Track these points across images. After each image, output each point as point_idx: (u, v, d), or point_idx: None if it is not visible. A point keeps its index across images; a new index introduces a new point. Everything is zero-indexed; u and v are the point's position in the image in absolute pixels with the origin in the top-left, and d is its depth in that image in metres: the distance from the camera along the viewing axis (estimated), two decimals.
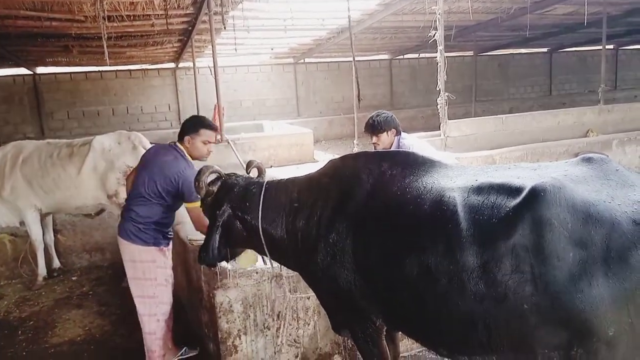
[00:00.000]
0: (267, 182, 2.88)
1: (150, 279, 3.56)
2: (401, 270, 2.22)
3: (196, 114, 12.70)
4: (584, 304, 1.76)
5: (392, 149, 4.08)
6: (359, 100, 8.25)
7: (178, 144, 3.57)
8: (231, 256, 2.99)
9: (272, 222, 2.74)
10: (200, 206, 3.02)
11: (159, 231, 3.58)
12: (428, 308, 2.20)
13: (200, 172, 2.89)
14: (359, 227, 2.41)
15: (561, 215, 1.83)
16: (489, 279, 1.95)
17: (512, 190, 1.99)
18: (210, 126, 3.55)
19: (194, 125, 3.55)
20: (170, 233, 3.72)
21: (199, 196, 2.95)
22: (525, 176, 2.05)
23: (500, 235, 1.93)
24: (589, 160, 2.07)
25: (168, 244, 3.69)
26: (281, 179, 2.93)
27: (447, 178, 2.30)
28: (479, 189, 2.09)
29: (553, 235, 1.82)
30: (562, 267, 1.80)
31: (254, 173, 3.10)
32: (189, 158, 3.55)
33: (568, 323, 1.81)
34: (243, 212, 2.77)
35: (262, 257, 3.12)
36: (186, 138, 3.51)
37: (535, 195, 1.89)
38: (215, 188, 2.88)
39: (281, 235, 2.74)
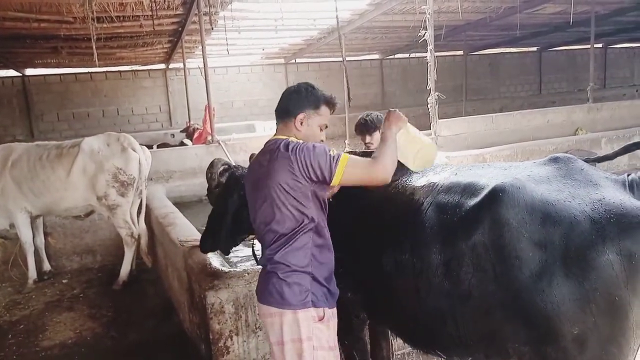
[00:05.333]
0: None
1: None
2: (375, 266, 2.31)
3: (187, 114, 12.69)
4: (545, 303, 1.77)
5: None
6: (349, 99, 8.31)
7: (280, 135, 2.40)
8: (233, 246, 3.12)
9: None
10: (207, 196, 3.06)
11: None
12: (401, 305, 2.26)
13: (213, 165, 2.97)
14: (338, 223, 2.46)
15: (519, 215, 1.84)
16: (453, 276, 2.00)
17: (475, 191, 2.03)
18: (333, 103, 2.48)
19: (314, 98, 2.42)
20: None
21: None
22: (492, 176, 2.08)
23: (462, 234, 1.97)
24: (555, 160, 2.08)
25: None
26: None
27: (422, 177, 2.39)
28: (448, 189, 2.15)
29: (511, 235, 1.83)
30: (521, 267, 1.81)
31: None
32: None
33: (532, 321, 1.82)
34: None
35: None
36: (299, 116, 2.38)
37: (494, 195, 1.91)
38: (224, 179, 2.98)
39: None
